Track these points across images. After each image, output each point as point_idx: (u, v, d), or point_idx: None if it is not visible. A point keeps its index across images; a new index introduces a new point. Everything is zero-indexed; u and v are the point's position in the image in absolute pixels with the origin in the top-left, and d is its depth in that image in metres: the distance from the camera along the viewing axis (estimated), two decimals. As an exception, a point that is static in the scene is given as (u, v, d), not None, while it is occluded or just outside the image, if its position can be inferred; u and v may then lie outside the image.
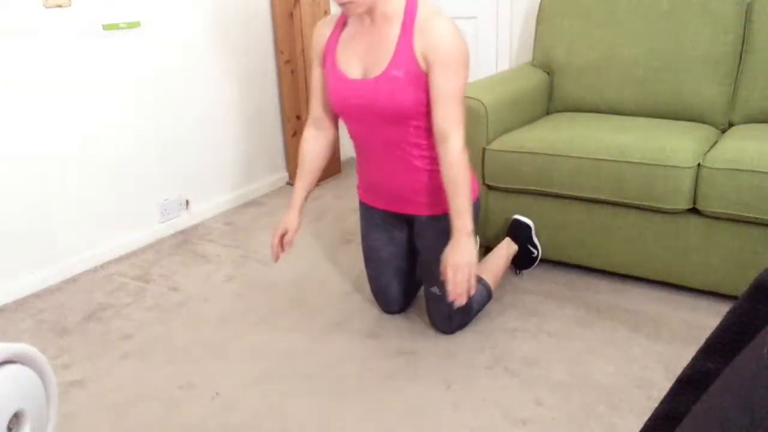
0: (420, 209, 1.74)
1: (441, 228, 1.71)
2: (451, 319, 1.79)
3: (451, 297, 1.55)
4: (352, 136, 1.74)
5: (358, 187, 1.88)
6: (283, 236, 1.79)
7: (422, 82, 1.54)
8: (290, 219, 1.79)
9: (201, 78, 2.75)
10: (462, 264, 1.53)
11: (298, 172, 1.82)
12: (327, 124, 1.81)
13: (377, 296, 1.94)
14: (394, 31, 1.54)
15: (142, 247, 2.59)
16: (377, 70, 1.56)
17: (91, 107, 2.34)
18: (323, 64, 1.71)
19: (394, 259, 1.87)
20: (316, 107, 1.78)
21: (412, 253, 1.89)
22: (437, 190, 1.69)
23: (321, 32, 1.69)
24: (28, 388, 1.29)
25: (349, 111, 1.64)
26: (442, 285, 1.73)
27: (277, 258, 1.79)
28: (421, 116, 1.59)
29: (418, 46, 1.51)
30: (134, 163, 2.53)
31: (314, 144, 1.81)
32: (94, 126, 2.36)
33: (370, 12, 1.55)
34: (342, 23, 1.67)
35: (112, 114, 2.42)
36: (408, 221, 1.84)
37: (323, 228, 2.69)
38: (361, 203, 1.90)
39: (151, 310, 2.07)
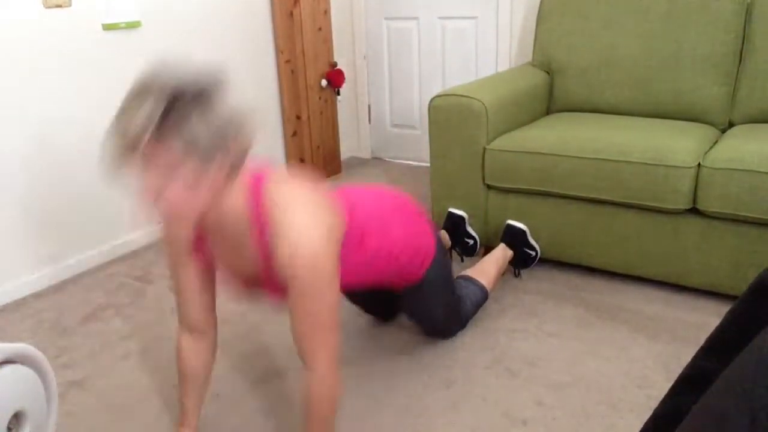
0: (394, 288, 1.63)
1: (416, 297, 1.63)
2: (444, 333, 1.81)
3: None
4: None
5: None
6: None
7: None
8: None
9: (201, 78, 2.75)
10: None
11: (184, 390, 1.41)
12: (206, 325, 1.39)
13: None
14: (245, 241, 1.19)
15: (142, 247, 2.59)
16: (260, 279, 1.28)
17: (91, 107, 2.34)
18: (194, 259, 1.31)
19: (371, 300, 1.86)
20: (193, 311, 1.35)
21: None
22: (405, 274, 1.52)
23: (178, 234, 1.28)
24: (28, 388, 1.29)
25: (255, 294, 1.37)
26: (418, 322, 1.73)
27: None
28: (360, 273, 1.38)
29: (277, 255, 1.13)
30: (134, 163, 2.53)
31: (195, 358, 1.39)
32: (94, 126, 2.36)
33: (203, 220, 1.17)
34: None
35: (111, 114, 2.42)
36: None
37: (323, 228, 2.69)
38: None
39: (151, 310, 2.07)
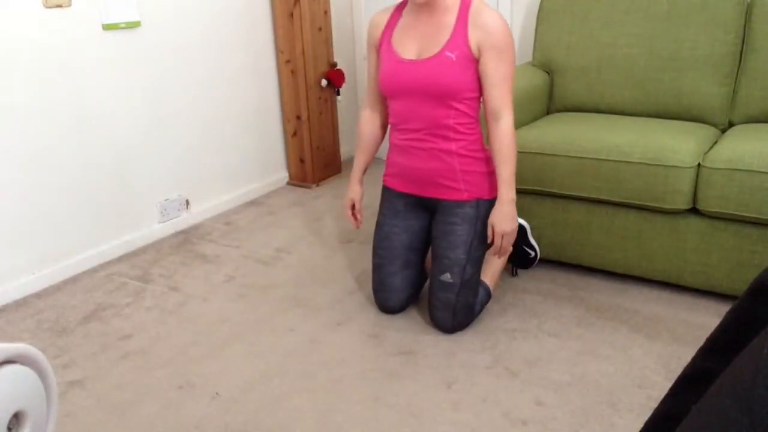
0: (447, 193, 1.79)
1: (464, 215, 1.77)
2: (455, 314, 1.80)
3: (495, 255, 1.78)
4: (394, 116, 1.82)
5: (385, 174, 1.95)
6: (352, 208, 2.02)
7: (473, 66, 1.67)
8: (353, 191, 2.01)
9: (201, 78, 2.75)
10: (509, 231, 1.73)
11: (358, 148, 2.00)
12: (382, 106, 1.96)
13: (379, 291, 1.94)
14: (450, 19, 1.69)
15: (142, 247, 2.59)
16: (432, 52, 1.69)
17: (90, 107, 2.34)
18: (378, 50, 1.84)
19: (405, 250, 1.90)
20: (373, 92, 1.94)
21: (424, 246, 1.93)
22: (467, 176, 1.77)
23: (377, 21, 1.84)
24: (28, 388, 1.29)
25: (397, 89, 1.75)
26: (454, 272, 1.76)
27: (358, 225, 2.04)
28: (466, 100, 1.71)
29: (472, 34, 1.65)
30: (134, 163, 2.53)
31: (371, 124, 1.98)
32: (94, 126, 2.36)
33: (431, 2, 1.69)
34: (398, 13, 1.80)
35: (111, 114, 2.42)
36: (430, 209, 1.89)
37: (323, 228, 2.69)
38: (386, 189, 1.95)
39: (151, 310, 2.07)
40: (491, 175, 1.80)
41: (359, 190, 2.01)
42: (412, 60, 1.72)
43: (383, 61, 1.79)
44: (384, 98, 1.93)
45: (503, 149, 1.70)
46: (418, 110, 1.75)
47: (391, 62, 1.76)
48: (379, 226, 1.94)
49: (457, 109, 1.72)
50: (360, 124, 2.00)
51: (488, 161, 1.80)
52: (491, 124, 1.72)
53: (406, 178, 1.86)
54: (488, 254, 2.05)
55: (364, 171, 2.02)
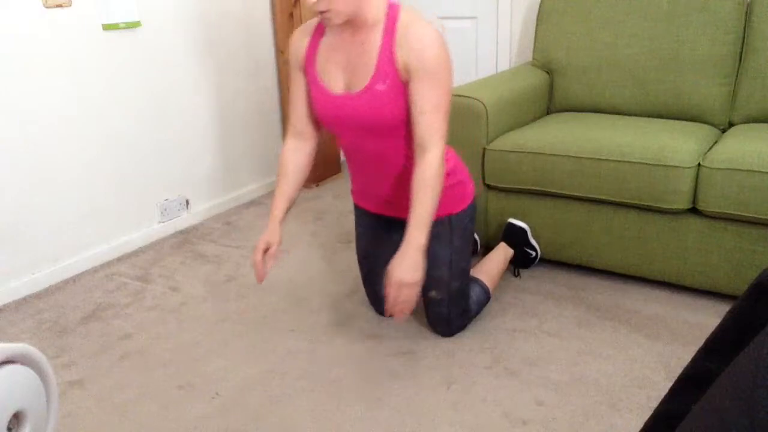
0: None
1: (437, 234, 1.71)
2: (450, 324, 1.79)
3: (388, 313, 1.52)
4: (341, 145, 1.70)
5: (352, 191, 1.87)
6: (266, 251, 1.65)
7: (406, 93, 1.50)
8: (272, 232, 1.65)
9: (201, 78, 2.75)
10: (408, 282, 1.46)
11: (280, 183, 1.71)
12: (309, 134, 1.73)
13: (374, 303, 1.94)
14: (376, 39, 1.48)
15: (142, 247, 2.59)
16: (360, 84, 1.52)
17: (90, 107, 2.34)
18: (304, 75, 1.66)
19: (386, 264, 1.85)
20: (298, 118, 1.71)
21: None
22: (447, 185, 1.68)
23: (299, 42, 1.64)
24: (28, 388, 1.29)
25: (335, 124, 1.61)
26: (440, 289, 1.73)
27: (262, 278, 1.63)
28: (409, 125, 1.57)
29: (400, 55, 1.46)
30: (134, 163, 2.53)
31: (296, 155, 1.72)
32: (94, 126, 2.36)
33: (350, 21, 1.48)
34: (320, 31, 1.61)
35: (111, 114, 2.42)
36: (403, 224, 1.83)
37: (323, 228, 2.69)
38: (356, 206, 1.89)
39: (151, 310, 2.07)
40: (456, 186, 1.69)
41: (278, 233, 1.66)
42: (341, 95, 1.55)
43: (312, 92, 1.62)
44: (313, 125, 1.72)
45: (424, 186, 1.47)
46: (364, 142, 1.61)
47: (321, 96, 1.59)
48: (357, 238, 1.90)
49: (404, 136, 1.58)
50: (283, 153, 1.73)
51: (451, 173, 1.68)
52: (417, 156, 1.50)
53: (370, 201, 1.79)
54: (485, 258, 2.05)
55: (287, 210, 1.70)
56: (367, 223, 1.86)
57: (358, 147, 1.64)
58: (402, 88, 1.49)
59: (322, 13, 1.43)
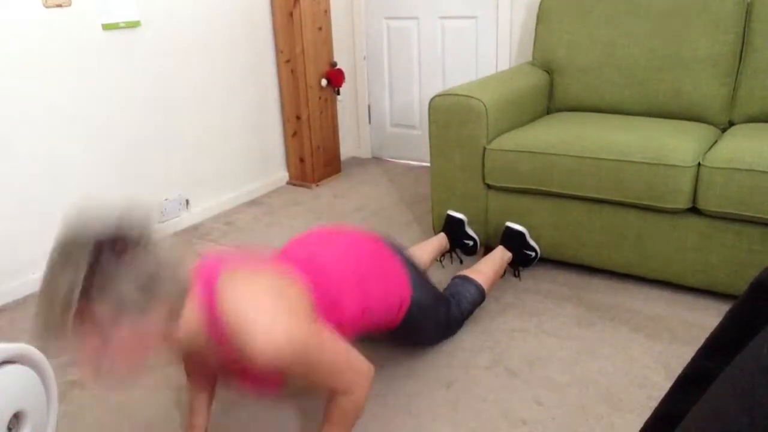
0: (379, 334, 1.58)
1: (399, 334, 1.59)
2: (445, 337, 1.80)
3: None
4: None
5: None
6: None
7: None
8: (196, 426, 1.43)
9: (201, 78, 2.75)
10: None
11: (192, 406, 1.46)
12: (207, 385, 1.46)
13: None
14: (217, 357, 1.16)
15: (142, 247, 2.59)
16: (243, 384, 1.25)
17: (90, 107, 2.34)
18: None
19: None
20: (195, 380, 1.44)
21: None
22: (385, 323, 1.49)
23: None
24: (28, 388, 1.29)
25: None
26: (423, 343, 1.73)
27: None
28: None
29: (260, 367, 1.09)
30: (134, 163, 2.53)
31: (199, 392, 1.45)
32: (93, 126, 2.36)
33: (170, 343, 1.10)
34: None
35: (111, 114, 2.42)
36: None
37: (323, 228, 2.69)
38: None
39: (151, 310, 2.07)
40: (398, 279, 1.48)
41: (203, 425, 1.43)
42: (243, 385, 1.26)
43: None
44: (206, 377, 1.45)
45: (338, 416, 1.25)
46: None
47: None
48: None
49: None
50: (189, 390, 1.46)
51: (400, 303, 1.48)
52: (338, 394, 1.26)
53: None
54: (483, 259, 2.04)
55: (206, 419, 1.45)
56: None
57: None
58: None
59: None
